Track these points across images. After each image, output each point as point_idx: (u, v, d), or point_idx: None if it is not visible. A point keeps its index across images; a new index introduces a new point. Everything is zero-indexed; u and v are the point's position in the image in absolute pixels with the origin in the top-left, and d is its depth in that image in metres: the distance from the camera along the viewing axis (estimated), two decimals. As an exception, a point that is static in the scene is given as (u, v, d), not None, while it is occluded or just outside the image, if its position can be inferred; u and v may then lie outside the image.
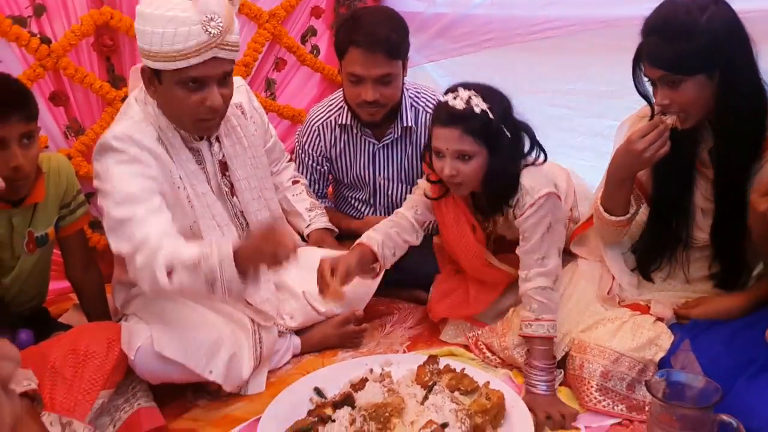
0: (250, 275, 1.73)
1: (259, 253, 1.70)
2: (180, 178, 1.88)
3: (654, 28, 1.72)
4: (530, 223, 1.89)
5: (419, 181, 2.15)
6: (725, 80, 1.69)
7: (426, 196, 2.08)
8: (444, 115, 1.85)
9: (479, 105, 1.81)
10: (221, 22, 1.73)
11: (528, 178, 1.90)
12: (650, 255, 2.00)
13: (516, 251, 1.95)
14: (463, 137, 1.82)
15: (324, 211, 2.48)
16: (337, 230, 2.46)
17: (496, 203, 1.95)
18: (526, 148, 1.92)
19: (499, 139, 1.85)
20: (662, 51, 1.69)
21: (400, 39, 2.30)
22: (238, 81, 2.04)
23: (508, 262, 2.08)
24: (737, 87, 1.70)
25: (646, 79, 1.79)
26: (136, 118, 1.85)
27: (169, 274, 1.71)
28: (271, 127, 2.33)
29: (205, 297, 1.78)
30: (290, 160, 2.51)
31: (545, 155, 1.93)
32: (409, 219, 2.10)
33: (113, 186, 1.77)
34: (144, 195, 1.78)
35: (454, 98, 1.83)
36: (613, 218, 1.92)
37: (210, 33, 1.71)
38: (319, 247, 2.36)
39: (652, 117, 1.85)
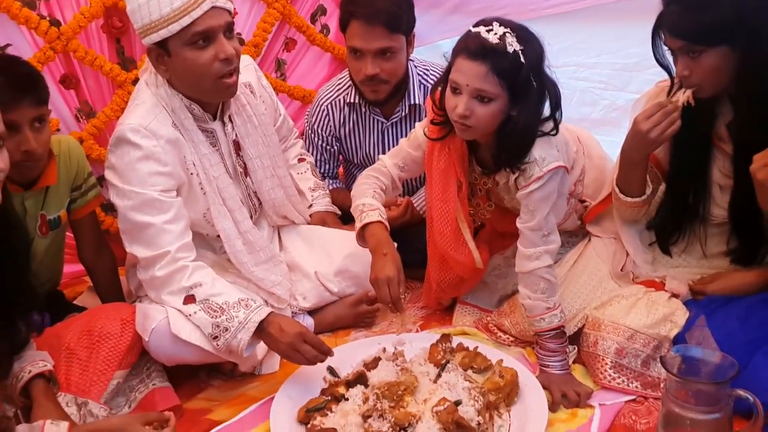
0: (255, 349, 1.82)
1: (283, 345, 1.75)
2: (193, 164, 1.89)
3: None
4: (537, 198, 1.78)
5: (417, 126, 2.01)
6: (749, 52, 1.64)
7: (424, 134, 1.93)
8: (473, 46, 1.67)
9: (513, 45, 1.65)
10: None
11: (539, 149, 1.76)
12: (667, 230, 1.97)
13: (517, 225, 1.84)
14: (488, 75, 1.65)
15: (327, 191, 2.45)
16: (339, 212, 2.42)
17: (505, 159, 1.80)
18: (547, 111, 1.76)
19: (525, 88, 1.68)
20: (683, 20, 1.65)
21: (402, 11, 2.26)
22: (245, 60, 2.03)
23: (481, 247, 2.01)
24: (761, 60, 1.65)
25: (666, 48, 1.75)
26: (149, 104, 1.85)
27: (186, 300, 1.79)
28: (280, 105, 2.32)
29: (196, 343, 1.79)
30: (298, 137, 2.49)
31: (557, 126, 1.77)
32: (393, 175, 2.02)
33: (131, 188, 1.80)
34: (163, 199, 1.81)
35: (488, 31, 1.66)
36: (629, 199, 1.90)
37: None
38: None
39: (671, 89, 1.81)
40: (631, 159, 1.84)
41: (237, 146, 2.01)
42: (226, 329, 1.75)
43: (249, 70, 2.06)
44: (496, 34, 1.65)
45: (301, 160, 2.44)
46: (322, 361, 1.78)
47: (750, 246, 1.87)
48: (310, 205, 2.38)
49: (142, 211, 1.80)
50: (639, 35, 1.86)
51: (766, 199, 1.62)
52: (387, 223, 1.96)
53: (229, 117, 1.98)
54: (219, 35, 1.78)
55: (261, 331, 1.76)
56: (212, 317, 1.76)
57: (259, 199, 2.11)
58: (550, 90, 1.73)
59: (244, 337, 1.74)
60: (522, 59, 1.65)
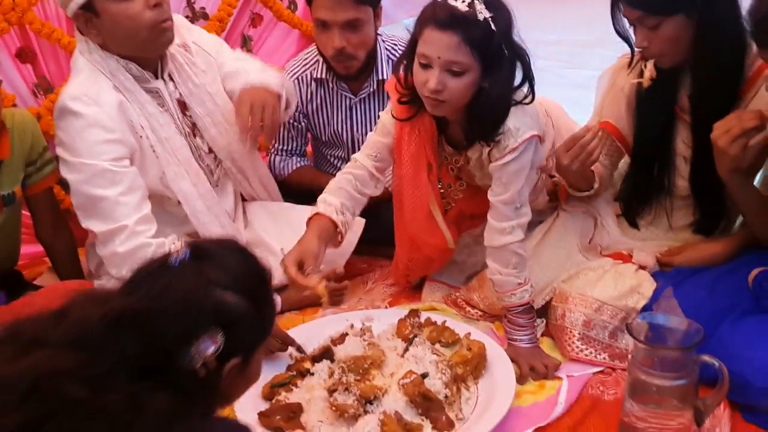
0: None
1: None
2: (141, 126, 1.83)
3: None
4: (511, 170, 1.71)
5: (381, 114, 1.91)
6: (704, 20, 1.64)
7: (392, 116, 1.83)
8: (442, 15, 1.56)
9: (483, 12, 1.55)
10: None
11: (513, 118, 1.68)
12: (633, 203, 1.98)
13: (489, 198, 1.77)
14: (461, 46, 1.56)
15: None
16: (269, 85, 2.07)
17: (479, 132, 1.72)
18: (518, 79, 1.68)
19: (498, 57, 1.60)
20: None
21: None
22: (175, 20, 1.92)
23: (451, 228, 1.96)
24: (717, 27, 1.65)
25: (626, 20, 1.74)
26: (86, 70, 1.80)
27: None
28: (229, 53, 2.15)
29: None
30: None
31: (533, 93, 1.70)
32: (368, 168, 1.89)
33: (80, 160, 1.75)
34: (115, 169, 1.75)
35: None
36: (579, 194, 1.96)
37: None
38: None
39: (631, 61, 1.82)
40: (564, 178, 1.91)
41: (183, 105, 1.96)
42: None
43: (178, 31, 1.97)
44: (464, 1, 1.56)
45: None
46: (284, 350, 1.76)
47: (711, 216, 1.88)
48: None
49: (94, 184, 1.74)
50: (600, 10, 1.84)
51: (725, 168, 1.62)
52: (335, 216, 1.83)
53: (170, 75, 1.92)
54: None
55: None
56: None
57: (216, 159, 2.05)
58: (521, 57, 1.66)
59: None
60: (493, 26, 1.57)
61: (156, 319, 0.97)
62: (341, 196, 1.86)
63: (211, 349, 0.99)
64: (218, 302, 1.02)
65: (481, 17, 1.56)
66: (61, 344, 0.92)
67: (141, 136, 1.84)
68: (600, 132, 1.77)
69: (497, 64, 1.61)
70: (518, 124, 1.69)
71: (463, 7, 1.56)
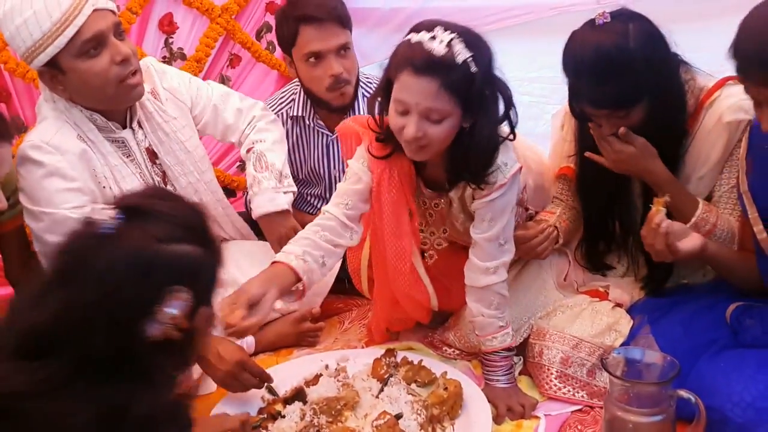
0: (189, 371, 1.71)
1: (221, 374, 1.68)
2: (104, 176, 1.82)
3: (583, 70, 1.63)
4: (498, 206, 1.65)
5: (350, 162, 1.78)
6: (661, 89, 1.65)
7: (369, 153, 1.70)
8: (419, 60, 1.46)
9: (462, 53, 1.46)
10: None
11: (501, 155, 1.61)
12: (593, 256, 1.99)
13: (472, 235, 1.71)
14: (440, 92, 1.47)
15: (267, 184, 2.06)
16: (282, 207, 2.07)
17: (468, 174, 1.64)
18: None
19: (479, 97, 1.51)
20: (602, 92, 1.63)
21: (344, 6, 2.26)
22: (142, 63, 1.91)
23: (437, 286, 1.88)
24: (671, 92, 1.69)
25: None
26: (50, 118, 1.79)
27: None
28: (208, 93, 2.10)
29: None
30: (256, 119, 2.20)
31: (513, 132, 1.63)
32: (338, 217, 1.72)
33: (41, 209, 1.73)
34: (75, 216, 1.70)
35: (432, 38, 1.46)
36: None
37: None
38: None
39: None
40: None
41: (152, 154, 1.94)
42: None
43: (148, 75, 1.95)
44: (441, 42, 1.46)
45: (249, 149, 2.12)
46: (260, 388, 1.71)
47: (661, 271, 1.86)
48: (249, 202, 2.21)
49: (55, 232, 1.70)
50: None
51: (679, 257, 1.63)
52: (292, 261, 1.65)
53: (139, 123, 1.90)
54: (109, 37, 1.71)
55: (197, 358, 1.67)
56: None
57: None
58: (503, 93, 1.58)
59: None
60: (473, 68, 1.47)
61: (110, 303, 0.87)
62: (303, 245, 1.69)
63: (180, 309, 0.90)
64: (173, 258, 0.93)
65: (459, 59, 1.46)
66: (13, 358, 0.85)
67: (104, 187, 1.82)
68: (553, 231, 1.79)
69: (479, 104, 1.53)
70: (506, 159, 1.63)
71: (440, 49, 1.46)
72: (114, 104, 1.81)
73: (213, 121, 2.13)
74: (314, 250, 1.69)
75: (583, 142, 1.84)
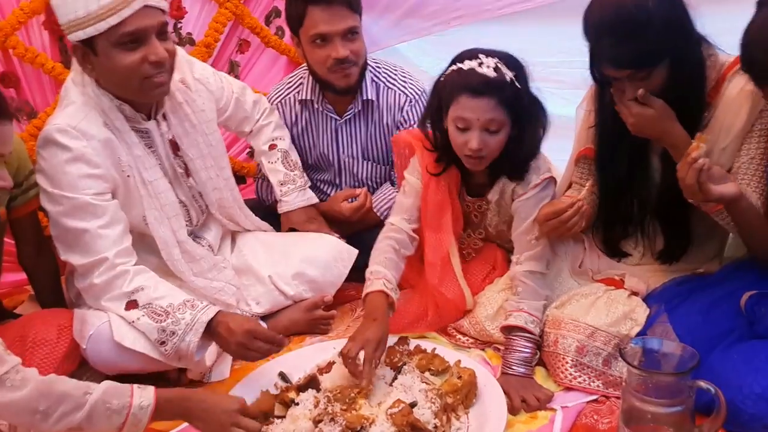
0: (204, 355, 1.75)
1: (233, 345, 1.69)
2: (129, 165, 1.80)
3: (604, 31, 1.64)
4: (530, 204, 1.85)
5: (405, 175, 2.00)
6: (681, 54, 1.65)
7: (428, 172, 1.93)
8: (476, 84, 1.72)
9: (507, 74, 1.73)
10: None
11: (535, 159, 1.86)
12: (610, 238, 1.97)
13: (511, 235, 1.92)
14: (497, 108, 1.73)
15: (300, 182, 2.31)
16: (313, 201, 2.33)
17: (509, 169, 1.87)
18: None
19: (525, 108, 1.78)
20: (623, 52, 1.62)
21: None
22: (178, 54, 1.91)
23: (471, 281, 2.01)
24: (690, 57, 1.68)
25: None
26: (78, 103, 1.76)
27: (128, 305, 1.71)
28: (230, 86, 2.20)
29: (141, 351, 1.73)
30: (269, 114, 2.35)
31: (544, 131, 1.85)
32: (406, 231, 1.96)
33: (62, 193, 1.71)
34: (96, 203, 1.72)
35: (480, 65, 1.73)
36: None
37: None
38: (291, 230, 2.29)
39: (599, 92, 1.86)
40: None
41: (174, 146, 1.92)
42: (173, 333, 1.67)
43: (180, 64, 1.94)
44: (489, 66, 1.72)
45: (272, 146, 2.31)
46: (276, 352, 1.74)
47: (677, 242, 1.87)
48: (279, 200, 2.30)
49: (75, 217, 1.71)
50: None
51: (698, 199, 1.61)
52: (390, 291, 1.84)
53: (164, 115, 1.89)
54: (151, 37, 1.69)
55: (210, 332, 1.68)
56: (157, 321, 1.68)
57: (205, 201, 2.03)
58: (539, 103, 1.82)
59: (193, 339, 1.66)
60: (517, 84, 1.74)
61: None
62: (390, 268, 1.89)
63: None
64: None
65: (507, 78, 1.73)
66: None
67: (128, 175, 1.80)
68: (583, 205, 1.77)
69: (526, 113, 1.79)
70: (539, 163, 1.88)
71: (491, 73, 1.72)
72: (137, 96, 1.79)
73: (235, 113, 2.23)
74: (396, 271, 1.91)
75: (603, 112, 1.85)
